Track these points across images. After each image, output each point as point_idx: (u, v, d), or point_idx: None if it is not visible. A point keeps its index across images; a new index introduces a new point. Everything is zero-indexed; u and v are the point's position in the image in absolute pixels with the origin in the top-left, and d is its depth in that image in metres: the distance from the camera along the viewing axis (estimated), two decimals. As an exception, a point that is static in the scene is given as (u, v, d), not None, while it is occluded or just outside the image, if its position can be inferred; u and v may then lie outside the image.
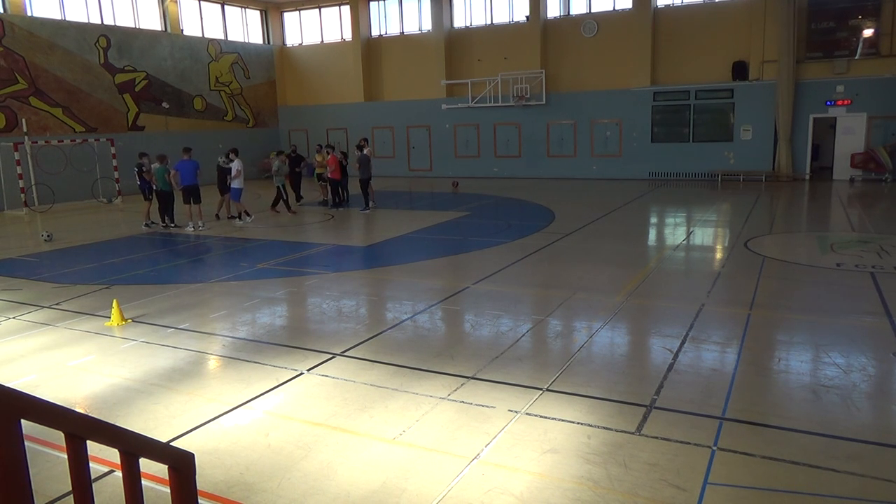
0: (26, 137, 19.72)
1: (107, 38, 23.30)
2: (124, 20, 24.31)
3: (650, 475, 4.06)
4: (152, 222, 15.69)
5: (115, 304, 7.82)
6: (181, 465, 2.52)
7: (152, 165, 15.66)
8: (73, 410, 2.11)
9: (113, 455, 2.47)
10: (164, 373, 6.16)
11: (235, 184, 15.59)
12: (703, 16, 22.31)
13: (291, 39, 30.45)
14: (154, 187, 15.46)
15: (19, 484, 1.74)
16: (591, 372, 5.84)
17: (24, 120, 20.25)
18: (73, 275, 10.61)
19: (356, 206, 17.82)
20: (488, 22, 26.05)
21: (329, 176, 17.83)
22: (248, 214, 15.94)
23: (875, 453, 4.30)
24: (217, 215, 16.59)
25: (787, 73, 20.51)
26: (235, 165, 15.56)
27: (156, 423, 5.09)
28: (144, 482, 2.75)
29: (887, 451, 4.32)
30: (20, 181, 19.38)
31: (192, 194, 14.99)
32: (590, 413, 4.96)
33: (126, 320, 7.79)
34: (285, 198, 17.33)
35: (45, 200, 20.07)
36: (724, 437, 4.54)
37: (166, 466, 2.50)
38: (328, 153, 17.98)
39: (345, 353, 6.51)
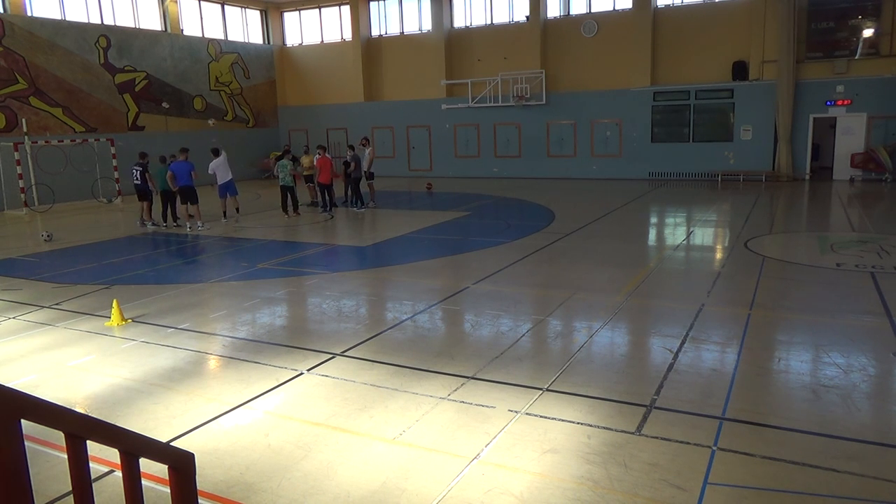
0: (26, 137, 19.71)
1: (107, 38, 23.30)
2: (124, 20, 24.31)
3: (650, 475, 4.06)
4: (153, 223, 15.69)
5: (115, 304, 7.82)
6: (181, 465, 2.52)
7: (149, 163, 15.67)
8: (73, 410, 2.11)
9: (113, 455, 2.47)
10: (164, 373, 6.16)
11: (218, 180, 15.64)
12: (703, 16, 22.31)
13: (291, 39, 30.44)
14: (151, 187, 15.48)
15: (19, 484, 1.74)
16: (591, 372, 5.84)
17: (24, 120, 20.24)
18: (73, 275, 10.61)
19: (344, 207, 17.77)
20: (488, 22, 26.04)
21: (318, 180, 17.17)
22: (225, 215, 15.90)
23: (875, 453, 4.30)
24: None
25: (787, 73, 20.51)
26: (209, 168, 15.67)
27: (156, 423, 5.09)
28: (144, 482, 2.75)
29: (887, 451, 4.32)
30: (20, 181, 19.39)
31: (188, 195, 14.98)
32: (590, 413, 4.96)
33: (126, 320, 7.79)
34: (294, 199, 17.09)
35: (45, 200, 20.07)
36: (724, 437, 4.54)
37: (166, 466, 2.50)
38: (317, 155, 17.34)
39: (345, 353, 6.51)
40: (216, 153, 15.79)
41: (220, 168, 15.64)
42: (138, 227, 15.50)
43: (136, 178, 15.56)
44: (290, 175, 16.60)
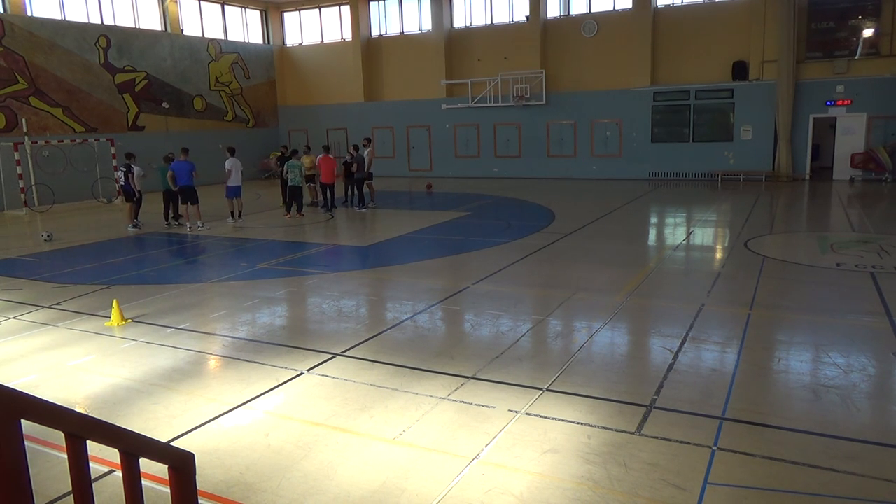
0: (26, 137, 19.72)
1: (107, 38, 23.29)
2: (124, 20, 24.31)
3: (650, 475, 4.06)
4: (141, 223, 15.63)
5: (115, 304, 7.82)
6: (181, 465, 2.52)
7: (134, 168, 15.58)
8: (73, 410, 2.11)
9: (113, 455, 2.47)
10: (164, 373, 6.16)
11: (229, 181, 15.77)
12: (703, 16, 22.31)
13: (291, 39, 30.45)
14: (136, 189, 15.44)
15: (19, 484, 1.74)
16: (591, 372, 5.84)
17: (24, 120, 20.24)
18: (73, 275, 10.61)
19: (345, 207, 17.76)
20: (488, 22, 26.04)
21: (320, 179, 17.11)
22: (232, 216, 15.91)
23: (875, 453, 4.30)
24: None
25: (787, 73, 20.51)
26: (226, 164, 15.71)
27: (156, 423, 5.09)
28: (144, 482, 2.75)
29: (887, 451, 4.32)
30: (20, 181, 19.39)
31: (188, 195, 14.99)
32: (590, 413, 4.96)
33: (126, 320, 7.79)
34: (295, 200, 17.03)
35: (45, 200, 20.07)
36: (724, 437, 4.54)
37: (166, 466, 2.50)
38: (319, 154, 17.27)
39: (345, 353, 6.51)
40: (233, 152, 15.80)
41: (235, 168, 15.66)
42: (128, 230, 15.23)
43: (121, 180, 15.59)
44: (300, 175, 16.38)
